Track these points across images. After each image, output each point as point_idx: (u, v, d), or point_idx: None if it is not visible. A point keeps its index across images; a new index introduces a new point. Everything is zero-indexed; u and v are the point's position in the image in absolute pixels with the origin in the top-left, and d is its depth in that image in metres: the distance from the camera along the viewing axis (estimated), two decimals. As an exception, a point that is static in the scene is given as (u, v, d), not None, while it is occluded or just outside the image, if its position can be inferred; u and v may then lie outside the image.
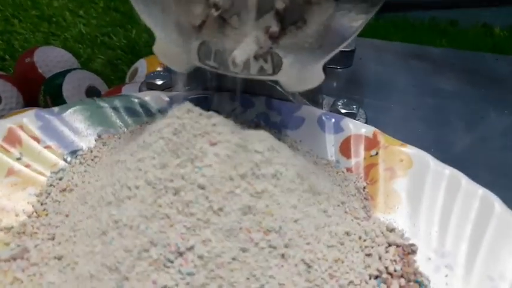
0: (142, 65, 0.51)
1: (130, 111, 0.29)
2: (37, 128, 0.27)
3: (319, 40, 0.22)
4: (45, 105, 0.46)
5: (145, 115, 0.29)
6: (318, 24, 0.21)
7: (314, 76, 0.23)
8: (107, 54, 0.65)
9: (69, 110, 0.28)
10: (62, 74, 0.46)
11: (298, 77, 0.23)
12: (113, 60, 0.63)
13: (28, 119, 0.27)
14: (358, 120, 0.32)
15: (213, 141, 0.22)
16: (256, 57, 0.22)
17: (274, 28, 0.21)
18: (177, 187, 0.21)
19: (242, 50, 0.21)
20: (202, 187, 0.21)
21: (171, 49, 0.23)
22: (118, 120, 0.29)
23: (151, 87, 0.33)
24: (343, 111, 0.32)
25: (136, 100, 0.29)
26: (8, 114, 0.42)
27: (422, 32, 0.73)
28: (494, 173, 0.32)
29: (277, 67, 0.23)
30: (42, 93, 0.47)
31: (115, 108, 0.29)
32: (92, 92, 0.47)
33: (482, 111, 0.40)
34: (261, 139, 0.23)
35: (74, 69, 0.48)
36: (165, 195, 0.21)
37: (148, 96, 0.30)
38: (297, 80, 0.23)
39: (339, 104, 0.32)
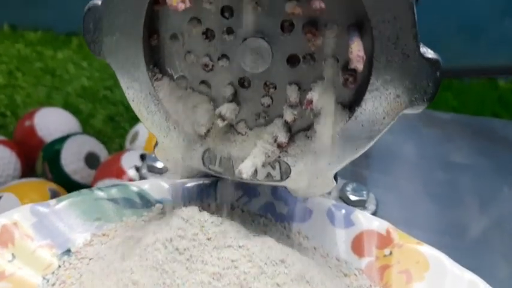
0: (143, 128, 0.50)
1: (129, 203, 0.28)
2: (31, 225, 0.25)
3: (330, 149, 0.20)
4: (43, 173, 0.45)
5: (145, 206, 0.28)
6: (328, 135, 0.20)
7: (324, 183, 0.22)
8: (108, 109, 0.64)
9: (65, 203, 0.27)
10: (61, 140, 0.45)
11: (307, 184, 0.22)
12: (114, 117, 0.62)
13: (22, 215, 0.25)
14: (367, 207, 0.31)
15: (218, 260, 0.20)
16: (263, 165, 0.21)
17: (282, 139, 0.20)
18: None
19: (249, 163, 0.20)
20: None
21: (173, 154, 0.22)
22: (115, 215, 0.27)
23: (152, 169, 0.32)
24: (352, 198, 0.30)
25: (135, 189, 0.28)
26: (5, 187, 0.40)
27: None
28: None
29: (285, 174, 0.22)
30: (40, 160, 0.45)
31: (113, 200, 0.28)
32: (91, 158, 0.45)
33: (496, 185, 0.39)
34: (269, 252, 0.21)
35: (74, 134, 0.47)
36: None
37: (147, 185, 0.28)
38: (306, 187, 0.22)
39: (348, 189, 0.31)
